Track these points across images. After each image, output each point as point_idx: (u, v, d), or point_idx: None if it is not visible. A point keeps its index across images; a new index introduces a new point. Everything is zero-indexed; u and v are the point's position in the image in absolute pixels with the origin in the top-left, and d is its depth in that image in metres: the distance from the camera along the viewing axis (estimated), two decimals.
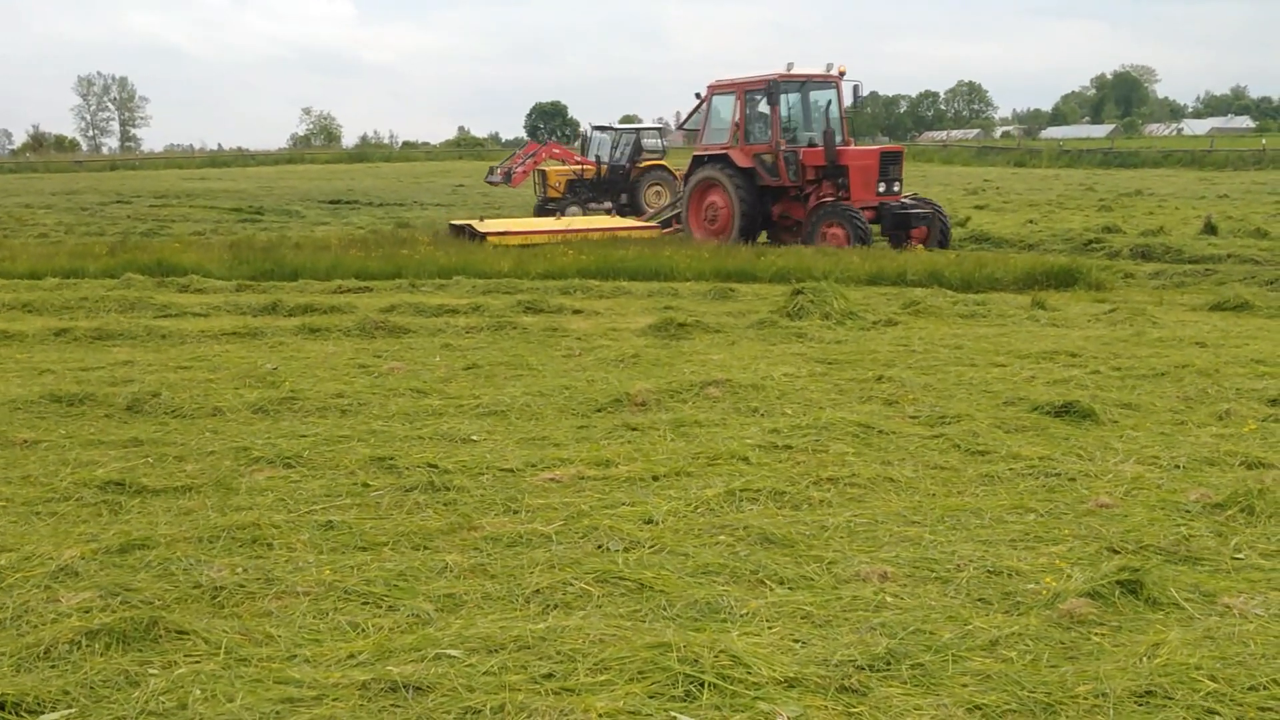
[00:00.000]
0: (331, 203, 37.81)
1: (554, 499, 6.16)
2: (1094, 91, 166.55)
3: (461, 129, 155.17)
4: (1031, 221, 25.19)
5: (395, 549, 5.45)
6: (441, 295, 14.67)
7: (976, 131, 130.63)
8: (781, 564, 5.19)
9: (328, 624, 4.59)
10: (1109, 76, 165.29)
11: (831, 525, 5.72)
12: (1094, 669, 4.02)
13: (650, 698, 3.86)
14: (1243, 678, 3.92)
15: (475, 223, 22.84)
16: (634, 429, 7.67)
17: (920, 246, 19.84)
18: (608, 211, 31.44)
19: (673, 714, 3.75)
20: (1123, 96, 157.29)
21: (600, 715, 3.71)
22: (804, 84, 22.14)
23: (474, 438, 7.46)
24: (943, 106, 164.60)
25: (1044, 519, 5.80)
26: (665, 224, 24.50)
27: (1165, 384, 8.91)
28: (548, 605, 4.73)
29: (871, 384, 9.04)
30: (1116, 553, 5.27)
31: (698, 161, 22.86)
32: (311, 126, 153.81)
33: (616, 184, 32.96)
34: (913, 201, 21.09)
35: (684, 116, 24.93)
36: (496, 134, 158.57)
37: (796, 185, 21.56)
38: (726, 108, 22.58)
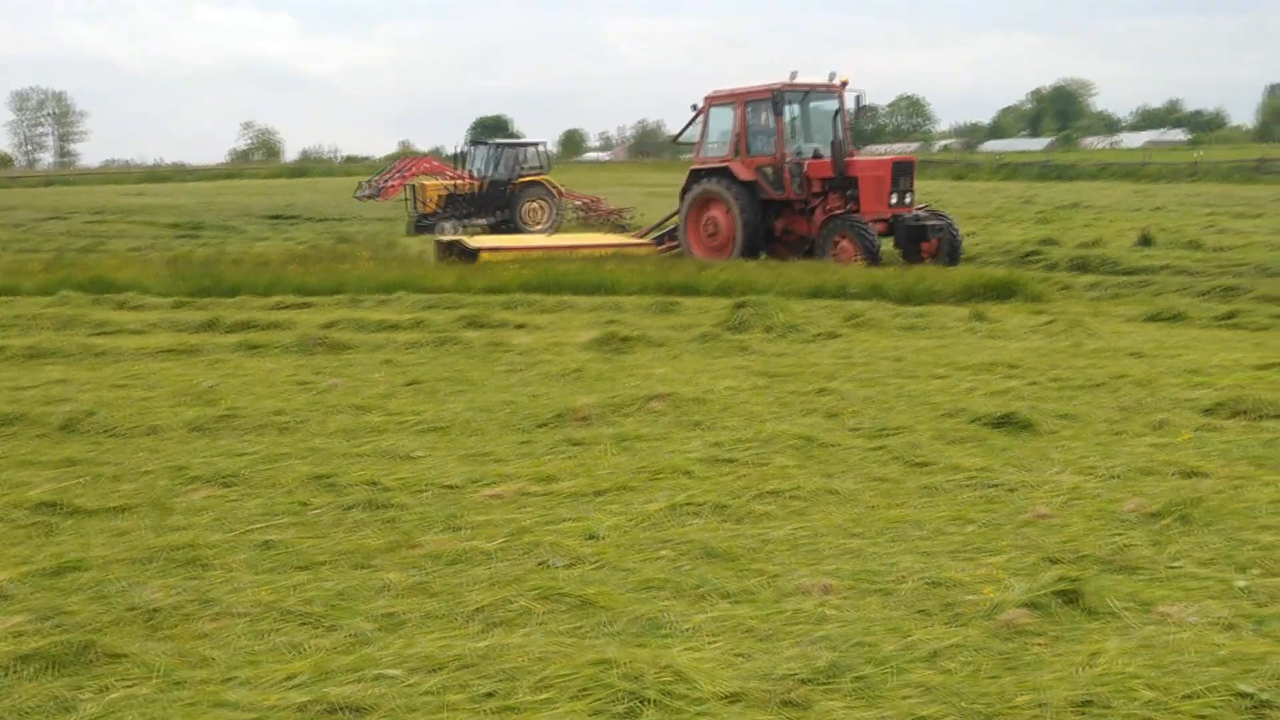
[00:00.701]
0: (272, 218, 37.49)
1: (496, 515, 6.13)
2: (1032, 105, 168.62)
3: (404, 143, 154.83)
4: (971, 234, 25.42)
5: (335, 568, 5.39)
6: (383, 310, 14.58)
7: (917, 145, 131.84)
8: (724, 578, 5.19)
9: (266, 645, 4.53)
10: (1046, 90, 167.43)
11: (774, 538, 5.73)
12: (1033, 679, 4.05)
13: (592, 716, 3.84)
14: (1179, 686, 3.96)
15: (466, 239, 22.13)
16: (577, 444, 7.65)
17: (928, 260, 19.42)
18: (490, 228, 31.12)
19: None
20: (1060, 110, 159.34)
21: None
22: (806, 94, 21.42)
23: (415, 454, 7.41)
24: (883, 120, 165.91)
25: (984, 530, 5.84)
26: (660, 241, 23.65)
27: (1102, 394, 9.02)
28: (489, 623, 4.70)
29: (813, 396, 9.07)
30: (1055, 563, 5.31)
31: (695, 176, 22.02)
32: (252, 141, 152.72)
33: (495, 199, 32.55)
34: (925, 214, 20.42)
35: (679, 130, 23.95)
36: (440, 148, 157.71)
37: (801, 198, 20.86)
38: (725, 119, 21.83)
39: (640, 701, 3.89)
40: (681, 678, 4.01)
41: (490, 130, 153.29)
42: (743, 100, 21.27)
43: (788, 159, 20.68)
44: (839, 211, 19.93)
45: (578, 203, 36.00)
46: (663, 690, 3.94)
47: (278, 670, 4.26)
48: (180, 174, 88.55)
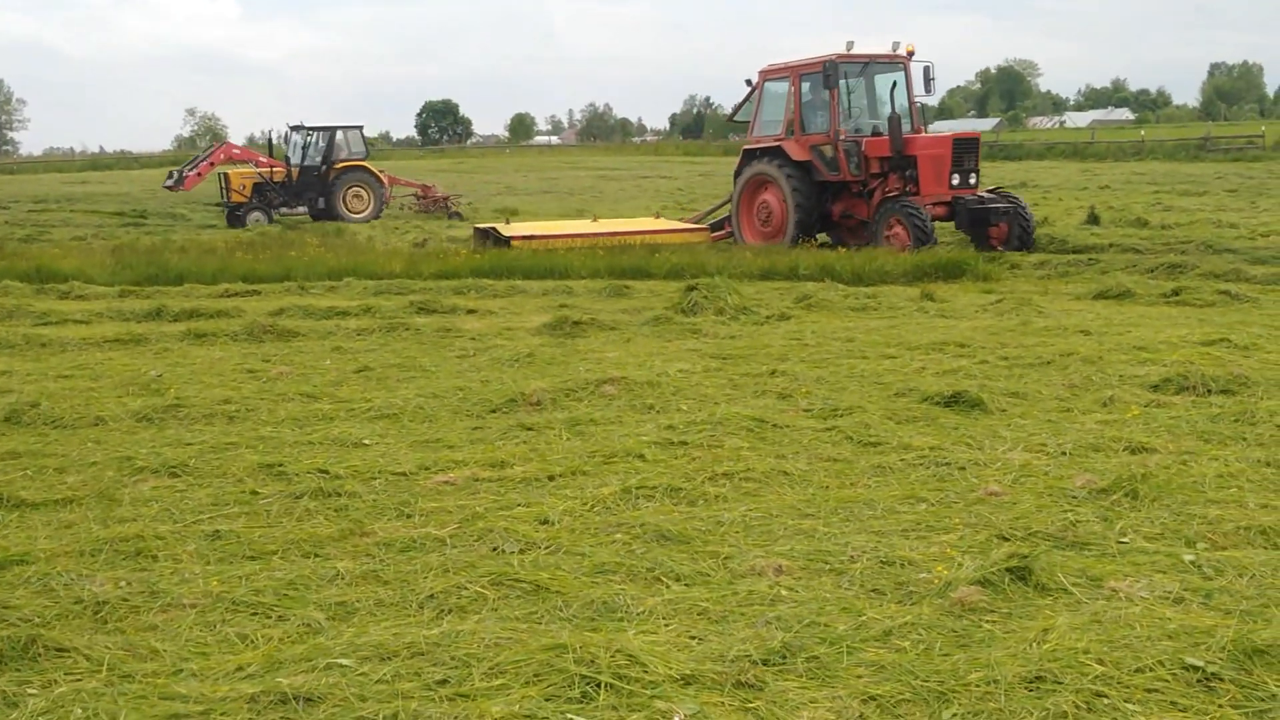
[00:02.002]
0: (217, 204, 37.03)
1: (448, 502, 6.09)
2: (979, 86, 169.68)
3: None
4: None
5: (285, 557, 5.34)
6: (332, 297, 14.46)
7: None
8: (678, 560, 5.18)
9: (215, 636, 4.48)
10: (993, 71, 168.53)
11: (727, 520, 5.73)
12: (985, 656, 4.07)
13: (547, 700, 3.82)
14: (1129, 660, 3.99)
15: (500, 226, 20.56)
16: (529, 429, 7.62)
17: (998, 246, 18.25)
18: (312, 218, 29.93)
19: (569, 716, 3.71)
20: (1007, 90, 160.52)
21: None
22: (866, 65, 19.55)
23: (366, 442, 7.36)
24: None
25: (935, 508, 5.87)
26: (716, 227, 21.95)
27: (1051, 372, 9.09)
28: (442, 610, 4.67)
29: (765, 378, 9.09)
30: (1006, 540, 5.35)
31: (748, 156, 20.47)
32: (196, 127, 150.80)
33: (311, 186, 31.45)
34: (991, 196, 18.76)
35: (733, 107, 22.31)
36: (387, 133, 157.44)
37: (859, 180, 19.22)
38: (780, 95, 20.27)
39: (594, 685, 3.87)
40: (635, 661, 4.00)
41: (438, 115, 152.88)
42: (797, 74, 19.76)
43: (843, 137, 19.10)
44: (895, 194, 18.60)
45: (416, 190, 34.73)
46: (617, 674, 3.93)
47: (227, 661, 4.21)
48: (124, 161, 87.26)
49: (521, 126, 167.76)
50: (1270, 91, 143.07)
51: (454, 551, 5.33)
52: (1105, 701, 3.75)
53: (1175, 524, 5.53)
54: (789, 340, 10.94)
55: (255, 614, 4.68)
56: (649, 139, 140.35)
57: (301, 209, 31.19)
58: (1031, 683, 3.85)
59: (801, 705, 3.82)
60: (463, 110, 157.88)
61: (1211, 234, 20.05)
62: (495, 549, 5.35)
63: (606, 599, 4.71)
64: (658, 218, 23.75)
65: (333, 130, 32.40)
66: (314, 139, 32.15)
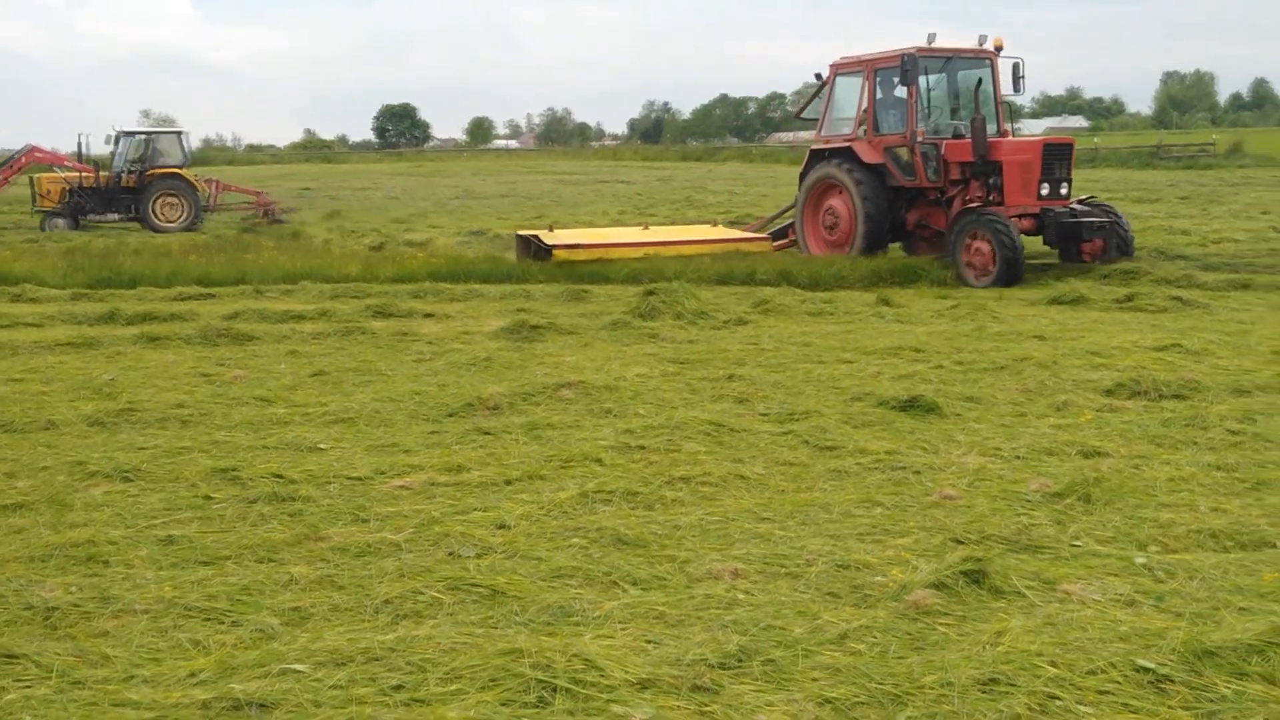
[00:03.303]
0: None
1: (404, 506, 6.06)
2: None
3: (308, 131, 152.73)
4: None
5: (239, 562, 5.30)
6: (287, 301, 14.36)
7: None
8: (635, 565, 5.18)
9: (168, 642, 4.44)
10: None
11: (684, 524, 5.73)
12: (940, 659, 4.09)
13: (503, 705, 3.81)
14: (1082, 662, 4.02)
15: (543, 233, 18.45)
16: (486, 433, 7.60)
17: (1092, 263, 16.37)
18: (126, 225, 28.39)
19: None
20: None
21: None
22: (949, 60, 17.67)
23: (321, 446, 7.31)
24: (790, 108, 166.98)
25: (891, 512, 5.90)
26: (778, 235, 19.85)
27: (1006, 377, 9.16)
28: (397, 615, 4.64)
29: (723, 383, 9.11)
30: (961, 543, 5.38)
31: (815, 157, 18.49)
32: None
33: (125, 193, 29.61)
34: (1084, 207, 16.75)
35: (802, 103, 20.33)
36: (345, 136, 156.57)
37: (937, 186, 17.20)
38: (852, 91, 18.26)
39: (550, 690, 3.86)
40: (592, 665, 3.99)
41: (396, 118, 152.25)
42: (871, 69, 17.79)
43: (920, 139, 17.11)
44: (976, 203, 16.50)
45: (250, 197, 32.97)
46: (573, 678, 3.92)
47: (180, 667, 4.17)
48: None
49: (480, 130, 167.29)
50: (1222, 100, 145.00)
51: (410, 556, 5.30)
52: (1058, 703, 3.78)
53: (1128, 527, 5.59)
54: (746, 345, 10.97)
55: (208, 619, 4.63)
56: (607, 144, 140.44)
57: (114, 216, 29.56)
58: (985, 685, 3.88)
59: (758, 708, 3.83)
60: (421, 114, 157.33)
61: (1164, 241, 20.28)
62: (451, 553, 5.33)
63: (563, 603, 4.71)
64: (715, 225, 21.82)
65: (149, 136, 30.96)
66: (130, 142, 30.54)
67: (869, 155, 17.51)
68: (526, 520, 5.80)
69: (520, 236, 18.82)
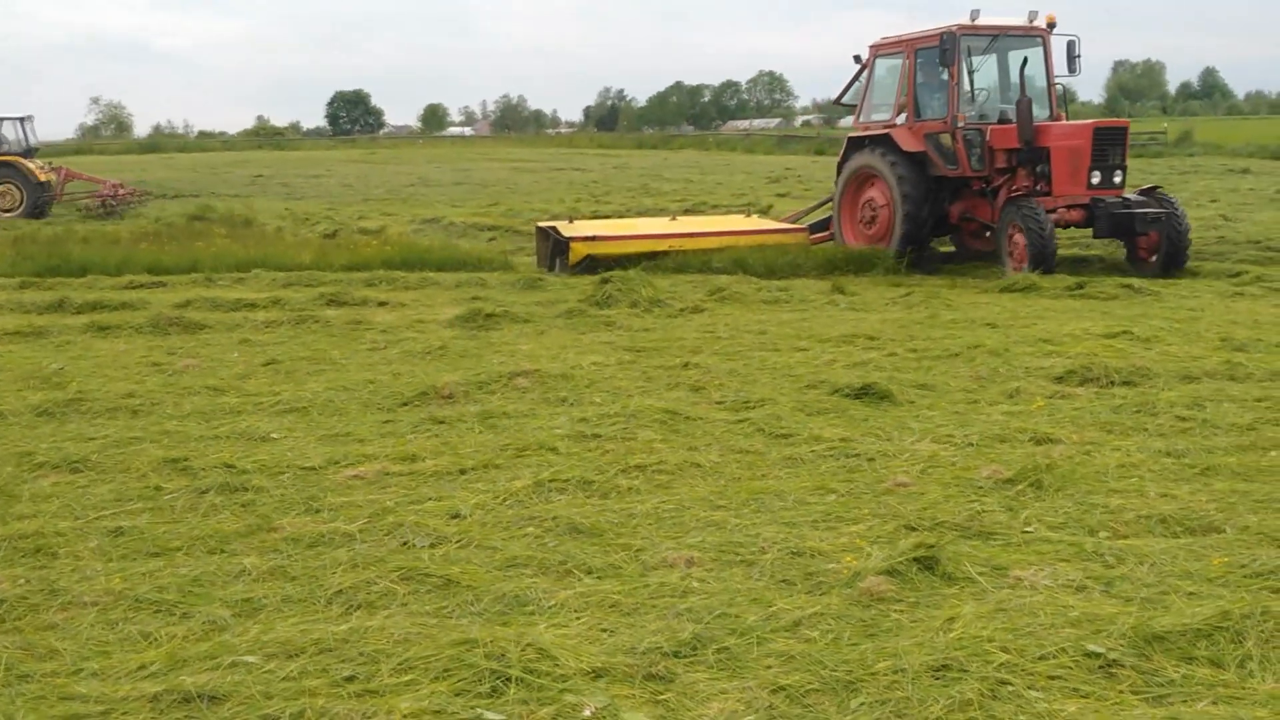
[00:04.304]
0: (150, 195, 36.27)
1: (357, 496, 6.03)
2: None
3: (261, 118, 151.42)
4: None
5: (189, 554, 5.26)
6: (239, 289, 14.21)
7: (778, 121, 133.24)
8: (589, 553, 5.18)
9: (117, 635, 4.40)
10: None
11: (639, 513, 5.73)
12: (892, 645, 4.12)
13: (456, 695, 3.79)
14: (1033, 648, 4.06)
15: (562, 225, 17.03)
16: (440, 422, 7.57)
17: (1149, 260, 15.17)
18: None
19: (479, 711, 3.69)
20: None
21: (404, 716, 3.64)
22: (995, 38, 16.19)
23: (273, 436, 7.26)
24: (745, 96, 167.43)
25: (844, 499, 5.93)
26: (818, 228, 18.43)
27: (959, 364, 9.21)
28: (350, 606, 4.62)
29: (678, 371, 9.11)
30: (914, 530, 5.41)
31: (853, 145, 17.20)
32: (101, 116, 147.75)
33: None
34: (1139, 198, 15.17)
35: (843, 88, 18.80)
36: (297, 123, 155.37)
37: (981, 175, 15.85)
38: (892, 75, 17.00)
39: (504, 680, 3.85)
40: (545, 655, 3.98)
41: (350, 105, 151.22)
42: (912, 49, 16.40)
43: (962, 124, 15.68)
44: (1022, 193, 15.38)
45: (96, 185, 30.79)
46: (526, 668, 3.91)
47: (129, 660, 4.13)
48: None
49: (435, 117, 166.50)
50: (1172, 89, 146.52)
51: (363, 546, 5.28)
52: (1009, 689, 3.81)
53: (1078, 513, 5.64)
54: (702, 333, 10.98)
55: (158, 611, 4.59)
56: (563, 131, 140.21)
57: None
58: (937, 671, 3.90)
59: (711, 696, 3.84)
60: (375, 100, 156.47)
61: None
62: (405, 543, 5.31)
63: (517, 593, 4.70)
64: (748, 215, 20.43)
65: None
66: None
67: (909, 143, 16.17)
68: (481, 510, 5.78)
69: (539, 228, 17.43)
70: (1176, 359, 9.15)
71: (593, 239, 16.31)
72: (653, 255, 15.89)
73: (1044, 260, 14.37)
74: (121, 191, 30.29)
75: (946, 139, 15.87)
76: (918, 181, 16.01)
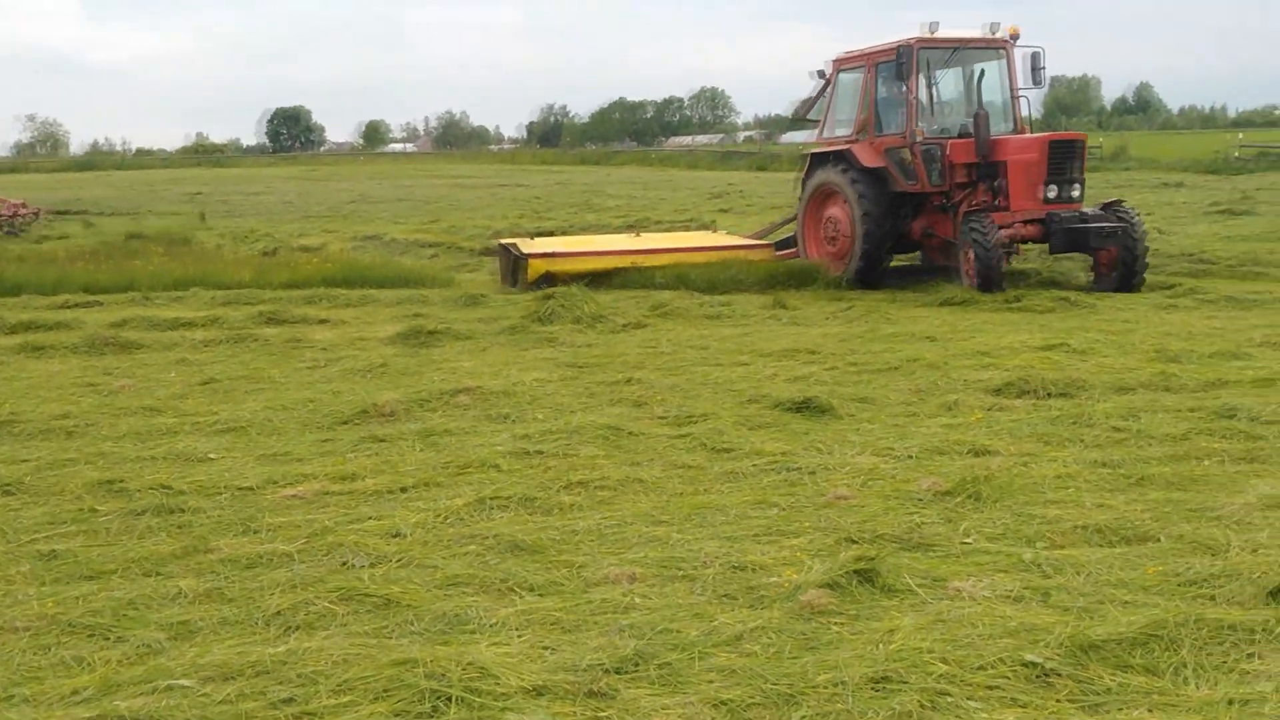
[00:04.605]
0: (58, 213, 35.75)
1: (295, 516, 5.98)
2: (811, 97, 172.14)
3: (199, 135, 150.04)
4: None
5: (124, 576, 5.19)
6: (177, 308, 14.04)
7: (720, 137, 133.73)
8: (531, 571, 5.16)
9: (49, 660, 4.32)
10: None
11: (581, 529, 5.73)
12: (833, 658, 4.13)
13: (395, 716, 3.77)
14: (971, 658, 4.09)
15: (521, 242, 16.92)
16: (380, 440, 7.52)
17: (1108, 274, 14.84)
18: None
19: None
20: None
21: None
22: (955, 51, 15.80)
23: (210, 456, 7.18)
24: (687, 112, 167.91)
25: (785, 513, 5.95)
26: (784, 245, 18.03)
27: (898, 378, 9.28)
28: (288, 627, 4.57)
29: (620, 386, 9.11)
30: (854, 543, 5.44)
31: (817, 161, 16.83)
32: (35, 133, 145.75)
33: None
34: (1095, 213, 14.79)
35: (806, 103, 18.41)
36: (237, 140, 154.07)
37: (941, 190, 15.46)
38: (855, 89, 16.53)
39: (444, 700, 3.83)
40: (486, 673, 3.97)
41: (289, 121, 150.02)
42: (873, 63, 16.05)
43: (920, 139, 15.35)
44: (976, 208, 15.00)
45: (3, 208, 28.80)
46: (467, 687, 3.89)
47: (61, 685, 4.07)
48: None
49: (376, 134, 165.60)
50: (1108, 104, 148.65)
51: (301, 567, 5.23)
52: (948, 699, 3.83)
53: (1015, 524, 5.69)
54: (644, 348, 10.99)
55: (92, 636, 4.53)
56: (505, 147, 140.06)
57: None
58: (877, 683, 3.92)
59: (653, 712, 3.83)
60: (315, 117, 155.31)
61: None
62: (344, 563, 5.26)
63: (458, 611, 4.67)
64: (714, 230, 20.26)
65: None
66: None
67: (869, 158, 15.82)
68: (421, 528, 5.75)
69: (501, 245, 17.25)
70: (1111, 371, 9.27)
71: (551, 255, 16.18)
72: (613, 272, 15.82)
73: (989, 281, 14.16)
74: (23, 211, 29.57)
75: (906, 154, 15.58)
76: (878, 198, 15.66)
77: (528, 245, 16.69)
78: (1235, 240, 19.38)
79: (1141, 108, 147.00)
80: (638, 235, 19.11)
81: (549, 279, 15.33)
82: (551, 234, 21.58)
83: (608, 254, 16.58)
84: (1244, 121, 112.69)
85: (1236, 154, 45.47)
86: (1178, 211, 24.85)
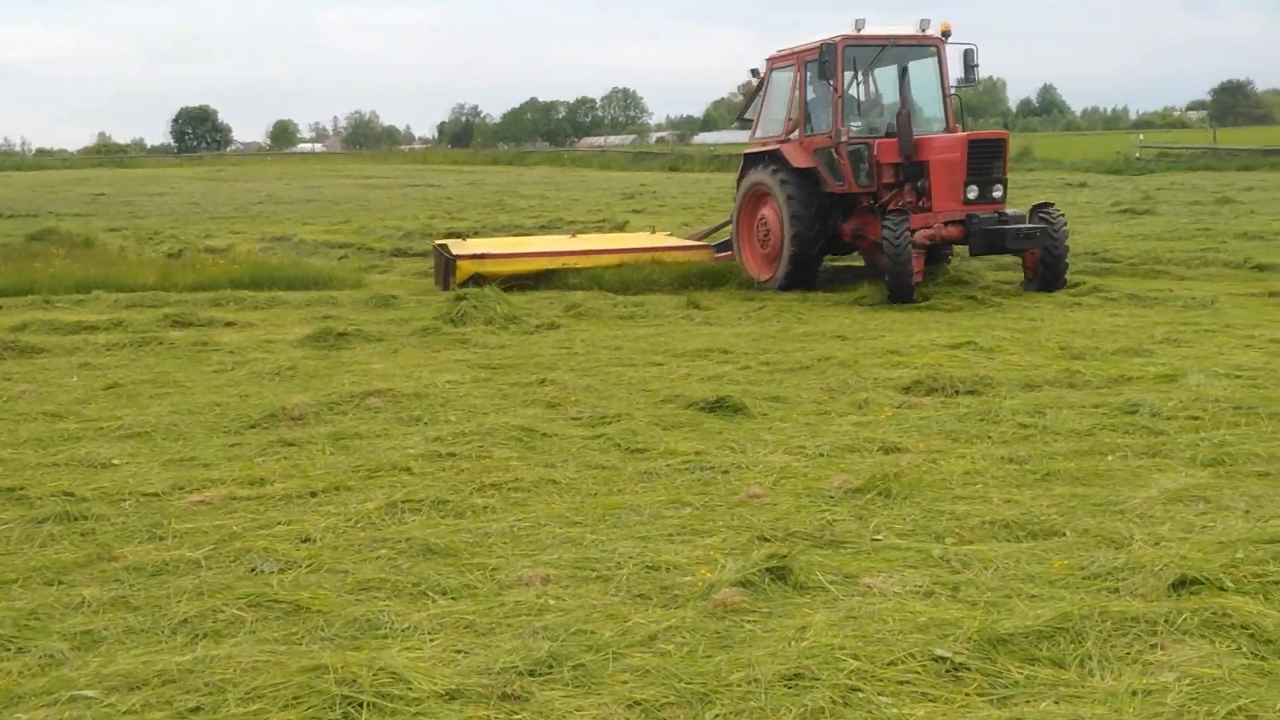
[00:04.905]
0: None
1: (203, 522, 5.88)
2: (740, 98, 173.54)
3: (102, 135, 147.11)
4: (685, 224, 25.90)
5: (25, 586, 5.07)
6: (79, 311, 13.73)
7: (633, 137, 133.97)
8: (444, 574, 5.13)
9: None
10: (755, 83, 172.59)
11: (495, 531, 5.70)
12: (746, 656, 4.15)
13: None
14: (883, 654, 4.13)
15: (453, 243, 16.72)
16: (290, 444, 7.42)
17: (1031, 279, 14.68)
18: None
19: None
20: None
21: None
22: (885, 49, 15.34)
23: (114, 462, 7.04)
24: (599, 113, 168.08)
25: (699, 512, 5.97)
26: (723, 247, 17.54)
27: (810, 376, 9.36)
28: (195, 635, 4.49)
29: (534, 387, 9.08)
30: (766, 541, 5.48)
31: (750, 161, 16.40)
32: None
33: None
34: (1016, 214, 14.42)
35: (743, 102, 18.04)
36: (141, 140, 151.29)
37: (870, 191, 15.11)
38: (786, 88, 16.22)
39: (355, 706, 3.79)
40: (398, 678, 3.93)
41: (195, 121, 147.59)
42: (802, 61, 15.66)
43: (845, 138, 14.93)
44: (898, 210, 14.66)
45: None
46: (379, 692, 3.85)
47: None
48: None
49: (284, 133, 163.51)
50: (1013, 106, 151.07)
51: (209, 574, 5.14)
52: (860, 696, 3.87)
53: (925, 520, 5.76)
54: (558, 349, 10.97)
55: None
56: (416, 147, 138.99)
57: None
58: (790, 680, 3.95)
59: (567, 714, 3.82)
60: (221, 117, 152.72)
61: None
62: (253, 569, 5.19)
63: (369, 616, 4.63)
64: (654, 232, 19.84)
65: None
66: None
67: (799, 159, 15.39)
68: (332, 533, 5.68)
69: (436, 246, 17.05)
70: (1018, 368, 9.43)
71: (481, 257, 16.00)
72: (545, 274, 15.74)
73: (898, 284, 13.88)
74: None
75: (835, 154, 15.16)
76: (808, 200, 15.25)
77: (458, 246, 16.52)
78: (1137, 239, 19.79)
79: (1046, 109, 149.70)
80: (574, 237, 19.12)
81: (478, 281, 15.21)
82: (473, 235, 21.33)
83: (539, 255, 16.47)
84: (1144, 123, 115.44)
85: (1138, 155, 46.55)
86: (1081, 211, 25.31)
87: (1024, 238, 14.03)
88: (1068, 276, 14.69)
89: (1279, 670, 3.97)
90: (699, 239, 18.63)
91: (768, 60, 16.75)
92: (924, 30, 15.38)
